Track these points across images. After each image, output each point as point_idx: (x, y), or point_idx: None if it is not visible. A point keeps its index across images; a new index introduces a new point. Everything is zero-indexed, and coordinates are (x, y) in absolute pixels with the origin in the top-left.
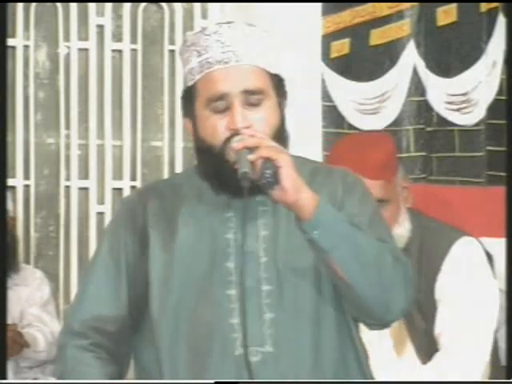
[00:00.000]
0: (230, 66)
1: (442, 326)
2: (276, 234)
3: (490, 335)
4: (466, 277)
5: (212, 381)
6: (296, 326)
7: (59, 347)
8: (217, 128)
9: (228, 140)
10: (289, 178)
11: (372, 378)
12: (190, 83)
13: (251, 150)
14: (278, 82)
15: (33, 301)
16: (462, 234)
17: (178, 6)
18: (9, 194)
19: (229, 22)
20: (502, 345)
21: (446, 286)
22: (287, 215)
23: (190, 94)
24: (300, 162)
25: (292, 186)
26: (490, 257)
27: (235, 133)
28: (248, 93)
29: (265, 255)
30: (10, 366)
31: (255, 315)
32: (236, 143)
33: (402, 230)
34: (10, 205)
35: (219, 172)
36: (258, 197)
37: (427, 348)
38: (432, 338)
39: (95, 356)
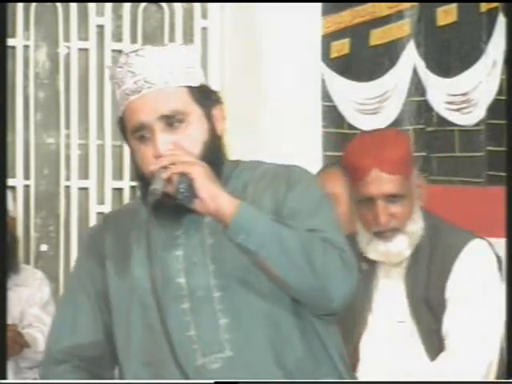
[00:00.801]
0: (143, 95)
1: (449, 326)
2: (221, 240)
3: (496, 337)
4: (476, 278)
5: (212, 381)
6: (251, 327)
7: (42, 376)
8: (146, 157)
9: (158, 170)
10: (203, 188)
11: (348, 371)
12: (119, 114)
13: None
14: (202, 94)
15: (33, 301)
16: (474, 236)
17: (178, 5)
18: (10, 194)
19: (136, 50)
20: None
21: (456, 286)
22: None
23: (121, 124)
24: (253, 166)
25: (208, 196)
26: (498, 258)
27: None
28: (165, 117)
29: (212, 263)
30: (10, 366)
31: (210, 323)
32: (153, 166)
33: (416, 227)
34: (10, 205)
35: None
36: None
37: (437, 347)
38: (442, 338)
39: (78, 377)
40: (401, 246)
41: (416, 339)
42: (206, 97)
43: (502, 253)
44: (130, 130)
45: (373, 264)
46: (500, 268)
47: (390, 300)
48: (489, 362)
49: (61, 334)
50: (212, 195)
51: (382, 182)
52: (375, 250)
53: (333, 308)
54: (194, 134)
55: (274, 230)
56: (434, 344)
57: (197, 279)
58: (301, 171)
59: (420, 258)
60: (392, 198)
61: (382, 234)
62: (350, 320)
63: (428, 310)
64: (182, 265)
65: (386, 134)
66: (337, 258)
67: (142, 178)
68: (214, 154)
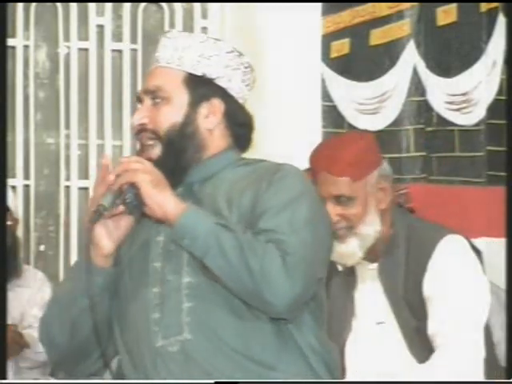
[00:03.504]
0: (151, 69)
1: (436, 326)
2: None
3: (480, 331)
4: (453, 274)
5: (212, 381)
6: (213, 312)
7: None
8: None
9: (135, 137)
10: (148, 196)
11: (329, 369)
12: None
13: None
14: (198, 83)
15: (34, 302)
16: (448, 231)
17: (178, 5)
18: (12, 194)
19: (169, 32)
20: (502, 346)
21: (434, 284)
22: (211, 213)
23: None
24: (252, 163)
25: (154, 203)
26: (478, 253)
27: (138, 130)
28: (149, 92)
29: (187, 252)
30: (10, 367)
31: (174, 307)
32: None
33: (369, 229)
34: (12, 205)
35: None
36: (190, 198)
37: (420, 346)
38: (424, 336)
39: None
40: (353, 248)
41: (398, 339)
42: (201, 87)
43: (502, 253)
44: None
45: (351, 266)
46: (481, 261)
47: (371, 301)
48: (480, 354)
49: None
50: (158, 202)
51: (328, 183)
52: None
53: (276, 311)
54: (167, 113)
55: (215, 234)
56: (416, 342)
57: (171, 266)
58: (288, 169)
59: (396, 256)
60: (341, 199)
61: (335, 235)
62: (335, 324)
63: (408, 308)
64: (161, 250)
65: (345, 137)
66: (277, 262)
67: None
68: (181, 140)
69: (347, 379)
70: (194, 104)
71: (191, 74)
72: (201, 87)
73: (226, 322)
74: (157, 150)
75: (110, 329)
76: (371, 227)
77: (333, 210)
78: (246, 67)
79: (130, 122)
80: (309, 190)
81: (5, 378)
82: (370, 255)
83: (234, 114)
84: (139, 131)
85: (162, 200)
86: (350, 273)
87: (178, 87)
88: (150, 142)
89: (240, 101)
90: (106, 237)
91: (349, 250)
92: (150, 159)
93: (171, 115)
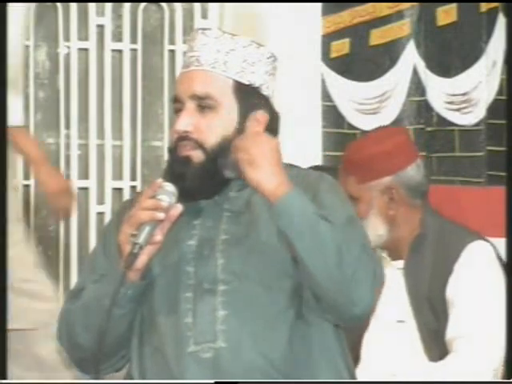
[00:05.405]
0: (190, 70)
1: (455, 331)
2: (235, 238)
3: (502, 340)
4: (477, 281)
5: (212, 381)
6: (247, 322)
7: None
8: (172, 129)
9: (175, 143)
10: (247, 174)
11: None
12: None
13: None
14: (247, 92)
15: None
16: (476, 237)
17: (178, 5)
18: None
19: (206, 29)
20: None
21: (457, 288)
22: (248, 221)
23: None
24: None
25: (252, 180)
26: (502, 261)
27: (180, 136)
28: (197, 98)
29: (222, 257)
30: (10, 367)
31: (208, 313)
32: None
33: (370, 233)
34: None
35: (170, 171)
36: (225, 204)
37: (436, 348)
38: (441, 339)
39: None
40: None
41: (415, 339)
42: (249, 97)
43: (502, 253)
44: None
45: None
46: (504, 271)
47: (393, 299)
48: (498, 363)
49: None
50: (256, 179)
51: (341, 179)
52: None
53: (355, 314)
54: (217, 124)
55: (314, 221)
56: (433, 344)
57: (204, 271)
58: (328, 177)
59: (423, 256)
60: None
61: None
62: None
63: (430, 309)
64: (194, 255)
65: (373, 135)
66: (370, 270)
67: (168, 149)
68: (226, 153)
69: (359, 375)
70: (243, 116)
71: (238, 82)
72: (249, 97)
73: (260, 332)
74: (200, 155)
75: (131, 330)
76: (371, 231)
77: None
78: (275, 71)
79: (174, 127)
80: (350, 204)
81: (5, 378)
82: (393, 253)
83: (271, 123)
84: (181, 138)
85: (260, 178)
86: None
87: (228, 96)
88: (192, 152)
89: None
90: (142, 253)
91: None
92: (190, 159)
93: (220, 128)
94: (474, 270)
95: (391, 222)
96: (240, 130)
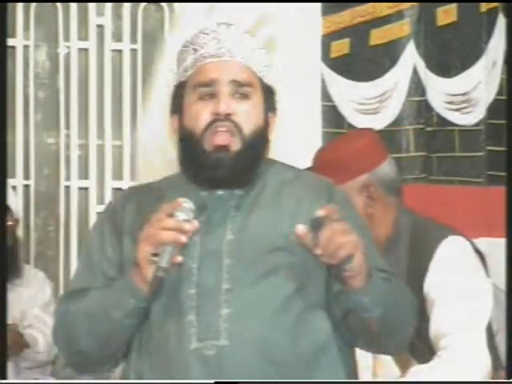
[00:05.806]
0: (222, 60)
1: (438, 328)
2: (241, 239)
3: (482, 333)
4: (454, 276)
5: (212, 381)
6: (251, 321)
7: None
8: (201, 113)
9: (209, 126)
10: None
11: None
12: (182, 79)
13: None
14: (268, 93)
15: (34, 302)
16: (450, 232)
17: (178, 6)
18: (12, 193)
19: (228, 23)
20: (502, 347)
21: (435, 285)
22: (255, 223)
23: (180, 89)
24: (287, 167)
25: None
26: (481, 255)
27: (217, 118)
28: (236, 83)
29: (227, 257)
30: (10, 367)
31: (212, 311)
32: (205, 120)
33: None
34: (13, 205)
35: (195, 159)
36: (232, 201)
37: (420, 347)
38: (423, 337)
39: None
40: None
41: None
42: (268, 97)
43: (502, 253)
44: (194, 85)
45: None
46: (483, 263)
47: None
48: (484, 358)
49: (76, 280)
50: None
51: None
52: None
53: (396, 351)
54: (253, 114)
55: (386, 290)
56: (417, 343)
57: (209, 268)
58: (338, 187)
59: (397, 256)
60: None
61: None
62: None
63: None
64: (198, 252)
65: (341, 139)
66: (411, 305)
67: (188, 137)
68: (257, 144)
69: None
70: (266, 113)
71: (262, 80)
72: (268, 97)
73: (263, 331)
74: (237, 144)
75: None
76: None
77: None
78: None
79: (209, 111)
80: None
81: (5, 378)
82: None
83: (275, 124)
84: (221, 120)
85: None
86: None
87: (258, 89)
88: (229, 139)
89: None
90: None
91: None
92: (226, 148)
93: (254, 118)
94: (449, 265)
95: (369, 221)
96: (267, 124)
